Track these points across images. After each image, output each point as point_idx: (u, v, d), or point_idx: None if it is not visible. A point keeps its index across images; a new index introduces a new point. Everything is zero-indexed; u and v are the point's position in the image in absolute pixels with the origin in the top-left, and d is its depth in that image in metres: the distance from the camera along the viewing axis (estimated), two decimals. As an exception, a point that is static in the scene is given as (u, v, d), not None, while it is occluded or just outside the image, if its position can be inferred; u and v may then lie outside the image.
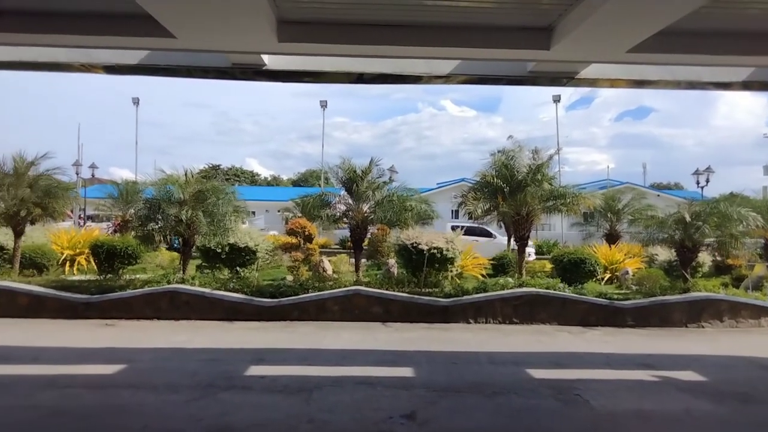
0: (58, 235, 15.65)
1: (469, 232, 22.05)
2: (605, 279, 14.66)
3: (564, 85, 8.14)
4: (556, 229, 33.43)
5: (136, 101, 46.25)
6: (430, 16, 6.03)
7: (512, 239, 16.02)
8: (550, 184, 14.16)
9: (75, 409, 5.73)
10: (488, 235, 23.20)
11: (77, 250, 15.14)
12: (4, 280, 11.50)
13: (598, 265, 13.86)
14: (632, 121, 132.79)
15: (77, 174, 36.54)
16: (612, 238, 18.79)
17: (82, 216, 33.08)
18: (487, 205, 14.51)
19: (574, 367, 7.92)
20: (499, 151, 14.81)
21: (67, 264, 14.70)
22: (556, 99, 42.88)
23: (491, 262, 15.66)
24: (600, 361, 8.33)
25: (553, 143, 37.92)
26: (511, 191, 13.64)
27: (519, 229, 13.75)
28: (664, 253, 15.49)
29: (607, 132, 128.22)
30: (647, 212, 18.38)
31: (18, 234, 13.10)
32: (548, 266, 15.28)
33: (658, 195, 35.75)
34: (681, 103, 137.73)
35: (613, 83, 8.07)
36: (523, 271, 13.68)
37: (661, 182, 70.36)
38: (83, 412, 5.66)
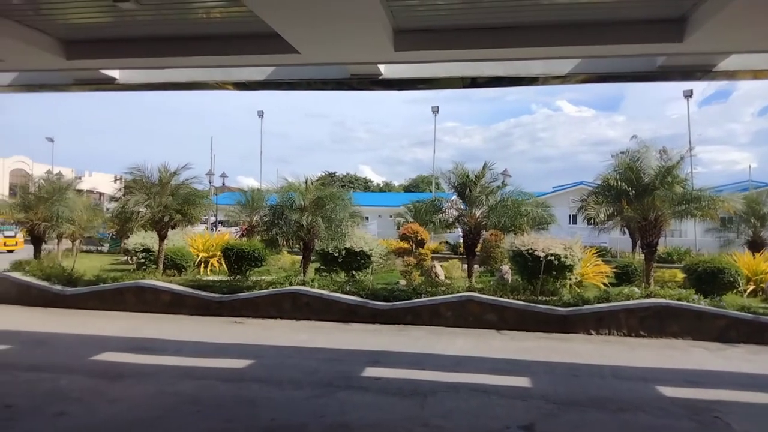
0: (195, 239, 17.25)
1: None
2: (748, 291, 13.19)
3: (698, 79, 7.51)
4: (687, 235, 30.57)
5: (261, 114, 49.75)
6: (547, 16, 5.86)
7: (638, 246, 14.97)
8: (683, 187, 13.05)
9: (210, 399, 6.25)
10: None
11: (210, 253, 16.55)
12: (150, 279, 12.85)
13: (739, 275, 12.51)
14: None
15: (210, 182, 39.91)
16: (756, 245, 16.91)
17: (214, 222, 36.00)
18: (610, 210, 13.68)
19: (712, 386, 7.21)
20: (622, 152, 13.90)
21: (202, 265, 16.10)
22: (688, 94, 39.32)
23: (614, 270, 14.75)
24: (743, 382, 7.49)
25: (684, 142, 34.95)
26: (636, 195, 12.76)
27: (646, 235, 12.82)
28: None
29: (749, 128, 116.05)
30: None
31: (162, 238, 14.54)
32: (679, 276, 14.07)
33: (814, 197, 31.49)
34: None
35: (757, 75, 7.29)
36: (651, 281, 12.71)
37: (817, 183, 61.95)
38: (217, 402, 6.15)
